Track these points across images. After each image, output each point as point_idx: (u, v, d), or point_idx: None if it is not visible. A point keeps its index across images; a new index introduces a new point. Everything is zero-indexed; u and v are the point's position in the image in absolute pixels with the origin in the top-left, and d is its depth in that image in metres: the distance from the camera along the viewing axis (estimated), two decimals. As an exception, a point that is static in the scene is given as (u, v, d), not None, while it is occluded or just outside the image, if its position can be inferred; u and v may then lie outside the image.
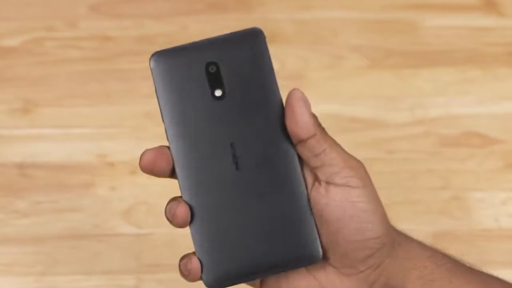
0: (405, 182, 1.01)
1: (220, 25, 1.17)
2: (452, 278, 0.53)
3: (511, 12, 1.20)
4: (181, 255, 0.53)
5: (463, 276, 0.53)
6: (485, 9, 1.21)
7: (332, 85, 1.11)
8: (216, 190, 0.52)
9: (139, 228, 0.96)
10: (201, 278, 0.52)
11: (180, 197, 0.52)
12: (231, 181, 0.52)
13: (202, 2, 1.22)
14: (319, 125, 0.52)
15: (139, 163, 0.52)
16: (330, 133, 0.53)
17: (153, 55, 0.53)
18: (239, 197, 0.52)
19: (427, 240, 0.55)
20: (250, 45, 0.53)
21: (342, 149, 0.52)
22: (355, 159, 0.52)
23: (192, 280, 0.52)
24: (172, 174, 0.52)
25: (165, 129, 0.52)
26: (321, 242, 0.52)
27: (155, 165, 0.52)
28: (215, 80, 0.52)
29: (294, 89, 0.52)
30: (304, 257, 0.52)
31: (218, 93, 0.52)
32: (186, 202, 0.52)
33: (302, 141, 0.51)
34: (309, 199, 0.52)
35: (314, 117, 0.52)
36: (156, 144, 0.53)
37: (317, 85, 1.11)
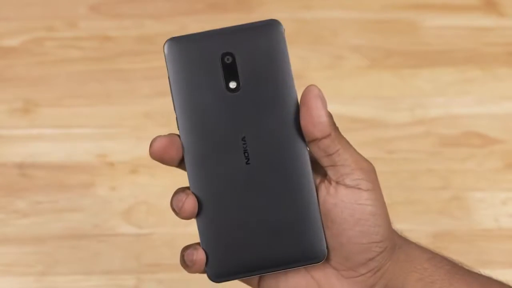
0: (405, 182, 1.01)
1: (220, 25, 1.15)
2: (451, 280, 0.53)
3: (511, 12, 1.20)
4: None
5: (462, 278, 0.53)
6: (485, 9, 1.21)
7: (332, 85, 1.11)
8: (225, 183, 0.51)
9: (139, 228, 0.96)
10: (203, 271, 0.52)
11: (188, 188, 0.51)
12: (241, 176, 0.51)
13: (202, 2, 1.22)
14: (334, 124, 0.51)
15: (150, 149, 0.50)
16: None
17: (167, 41, 0.52)
18: (248, 192, 0.51)
19: (427, 240, 0.55)
20: (268, 37, 0.51)
21: (355, 150, 0.51)
22: (367, 161, 0.51)
23: (194, 271, 0.51)
24: (180, 163, 0.51)
25: (176, 117, 0.51)
26: (326, 242, 0.52)
27: (165, 153, 0.50)
28: (230, 72, 0.51)
29: (311, 85, 0.51)
30: (310, 256, 0.52)
31: (232, 85, 0.51)
32: (193, 194, 0.51)
33: (316, 139, 0.50)
34: (318, 199, 0.51)
35: (330, 116, 0.50)
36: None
37: (317, 85, 1.11)
